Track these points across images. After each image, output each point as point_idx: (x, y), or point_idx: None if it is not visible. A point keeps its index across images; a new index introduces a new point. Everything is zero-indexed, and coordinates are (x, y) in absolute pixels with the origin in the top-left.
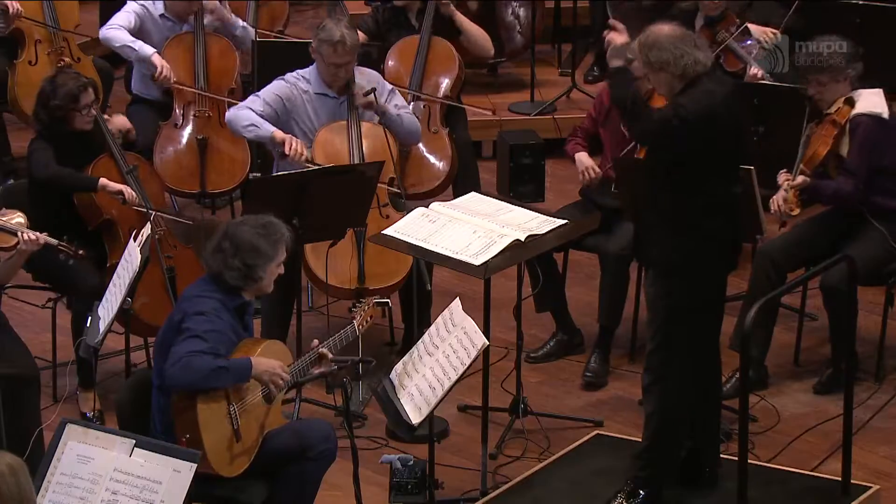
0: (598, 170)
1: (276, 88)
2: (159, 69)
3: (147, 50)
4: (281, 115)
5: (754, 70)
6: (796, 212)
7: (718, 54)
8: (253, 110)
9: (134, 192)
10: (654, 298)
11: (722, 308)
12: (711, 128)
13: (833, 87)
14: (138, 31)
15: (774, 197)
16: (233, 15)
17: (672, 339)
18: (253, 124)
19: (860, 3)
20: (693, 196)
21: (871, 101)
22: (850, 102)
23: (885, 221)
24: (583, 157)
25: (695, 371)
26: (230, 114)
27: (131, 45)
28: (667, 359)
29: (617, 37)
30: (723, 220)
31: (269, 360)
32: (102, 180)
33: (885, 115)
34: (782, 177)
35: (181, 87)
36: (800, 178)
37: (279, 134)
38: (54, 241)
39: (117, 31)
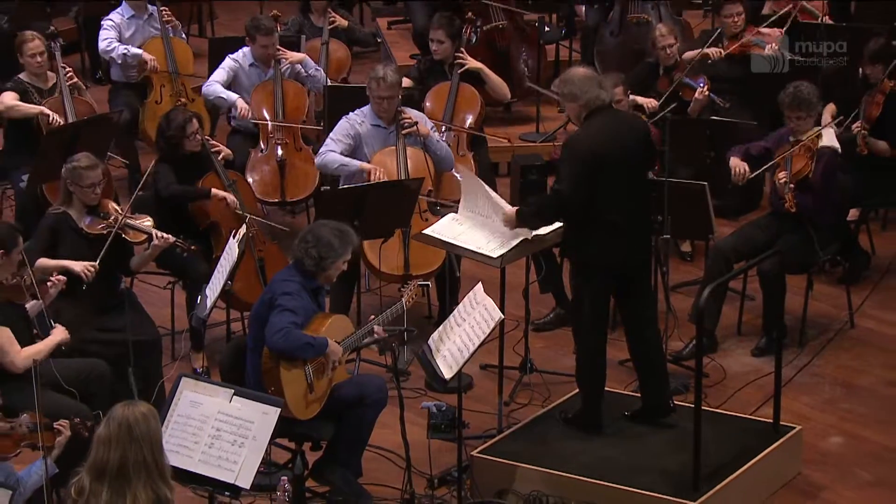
0: None
1: (344, 128)
2: (240, 110)
3: (232, 97)
4: (354, 145)
5: (698, 93)
6: (791, 205)
7: (678, 89)
8: (335, 152)
9: (235, 199)
10: (570, 280)
11: (627, 287)
12: (593, 158)
13: (808, 120)
14: (233, 80)
15: (780, 181)
16: (309, 58)
17: (575, 305)
18: (342, 164)
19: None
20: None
21: (832, 136)
22: (820, 137)
23: (814, 229)
24: None
25: (598, 325)
26: (319, 161)
27: (222, 95)
28: (574, 318)
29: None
30: (602, 232)
31: (338, 349)
32: (213, 190)
33: (839, 150)
34: (783, 175)
35: (257, 121)
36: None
37: (366, 166)
38: (175, 240)
39: (213, 86)
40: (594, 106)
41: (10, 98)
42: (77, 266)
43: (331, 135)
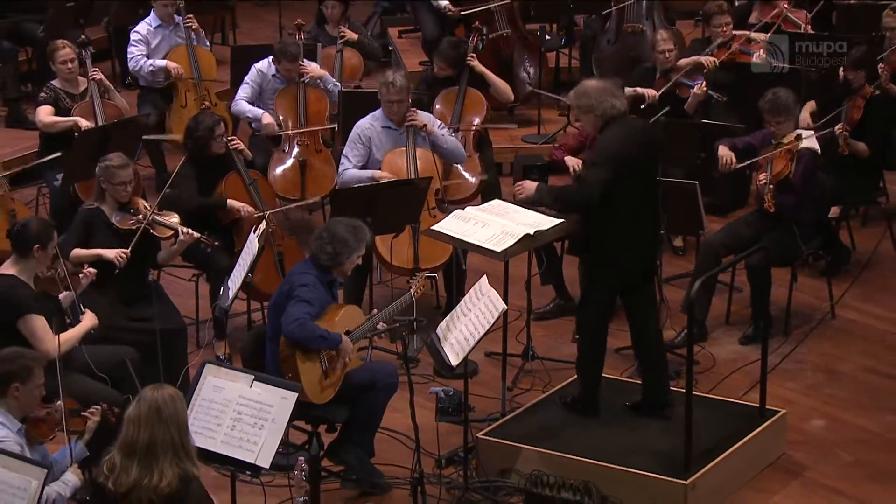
0: (580, 162)
1: (354, 138)
2: (267, 126)
3: (258, 113)
4: (367, 150)
5: (696, 89)
6: (770, 205)
7: (675, 88)
8: (352, 167)
9: (250, 209)
10: (581, 276)
11: (637, 285)
12: (618, 164)
13: (787, 124)
14: (259, 92)
15: (760, 183)
16: (328, 74)
17: (583, 300)
18: (359, 179)
19: None
20: (604, 209)
21: (812, 139)
22: (799, 138)
23: (797, 226)
24: (569, 159)
25: (599, 321)
26: (341, 181)
27: (249, 114)
28: (582, 312)
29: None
30: (622, 234)
31: (350, 343)
32: (229, 201)
33: (819, 151)
34: (763, 177)
35: (280, 132)
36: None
37: (378, 174)
38: (199, 236)
39: (240, 104)
40: (610, 115)
41: (46, 114)
42: (110, 253)
43: (344, 151)
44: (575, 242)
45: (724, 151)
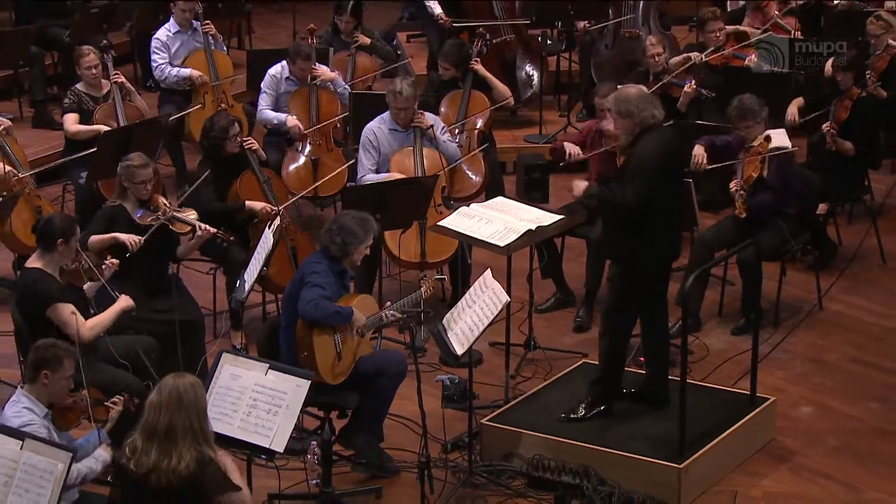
0: (579, 150)
1: (367, 143)
2: (293, 128)
3: (282, 117)
4: (378, 151)
5: (686, 87)
6: (741, 211)
7: (666, 88)
8: (368, 169)
9: (269, 207)
10: (611, 277)
11: (660, 285)
12: (658, 172)
13: (756, 127)
14: (276, 97)
15: (731, 190)
16: (339, 78)
17: (619, 304)
18: (376, 180)
19: None
20: (641, 214)
21: (781, 138)
22: (768, 139)
23: (783, 220)
24: (567, 144)
25: (630, 326)
26: (358, 181)
27: (274, 121)
28: (614, 317)
29: (579, 185)
30: (658, 233)
31: (362, 316)
32: (248, 203)
33: (791, 148)
34: (734, 184)
35: (303, 132)
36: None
37: (397, 177)
38: (216, 231)
39: (264, 113)
40: (648, 124)
41: (72, 122)
42: (124, 237)
43: (359, 155)
44: (606, 246)
45: (697, 150)
